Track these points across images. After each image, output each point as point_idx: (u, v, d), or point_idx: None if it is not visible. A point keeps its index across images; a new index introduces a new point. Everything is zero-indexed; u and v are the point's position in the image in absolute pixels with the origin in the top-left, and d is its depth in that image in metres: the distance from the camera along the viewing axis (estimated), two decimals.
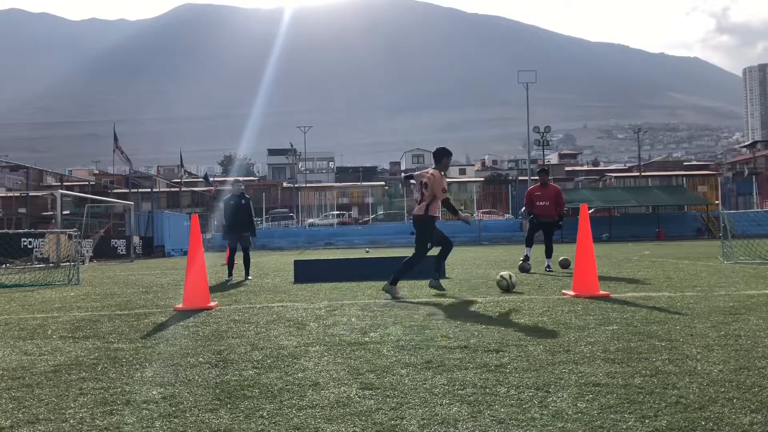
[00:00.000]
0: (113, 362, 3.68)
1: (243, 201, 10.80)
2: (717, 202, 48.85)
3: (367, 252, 24.02)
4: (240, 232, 10.75)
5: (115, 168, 64.86)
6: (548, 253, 11.00)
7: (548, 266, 10.82)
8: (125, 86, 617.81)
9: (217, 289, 8.60)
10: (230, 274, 10.52)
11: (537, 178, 12.04)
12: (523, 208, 11.68)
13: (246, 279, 10.42)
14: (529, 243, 11.30)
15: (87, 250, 21.34)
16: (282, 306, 6.40)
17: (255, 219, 11.38)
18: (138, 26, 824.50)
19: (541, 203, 11.05)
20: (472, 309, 5.69)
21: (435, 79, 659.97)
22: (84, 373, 3.39)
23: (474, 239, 40.23)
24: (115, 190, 42.93)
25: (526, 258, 10.85)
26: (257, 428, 2.39)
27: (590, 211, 11.25)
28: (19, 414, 2.66)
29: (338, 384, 3.01)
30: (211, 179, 62.57)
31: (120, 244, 26.41)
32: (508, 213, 47.49)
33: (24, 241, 18.71)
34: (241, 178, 12.22)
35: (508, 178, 73.05)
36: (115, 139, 38.29)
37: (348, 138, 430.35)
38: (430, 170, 7.31)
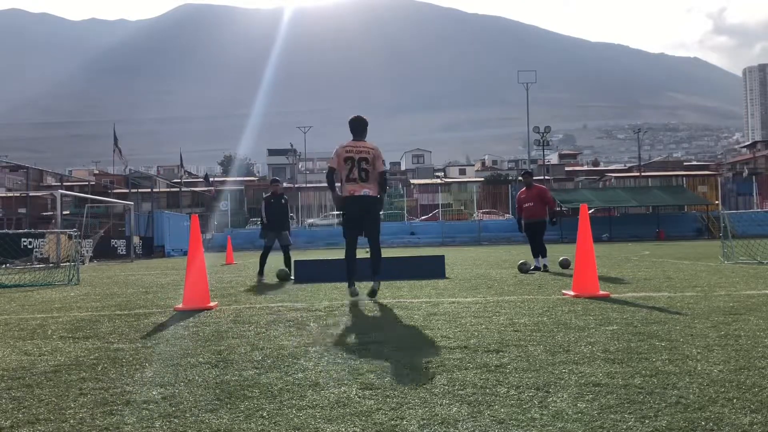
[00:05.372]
0: (113, 362, 3.68)
1: (283, 201, 10.95)
2: (717, 202, 48.84)
3: (368, 252, 23.99)
4: (280, 231, 10.82)
5: (115, 168, 64.89)
6: (542, 253, 10.98)
7: (544, 265, 10.81)
8: (125, 86, 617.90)
9: (217, 290, 8.60)
10: (262, 273, 10.46)
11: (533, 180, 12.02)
12: (518, 215, 11.74)
13: (292, 278, 10.19)
14: (534, 252, 11.15)
15: (87, 250, 21.33)
16: (282, 306, 6.39)
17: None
18: (138, 26, 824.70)
19: (527, 205, 11.19)
20: (472, 309, 5.69)
21: (435, 79, 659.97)
22: (84, 373, 3.39)
23: (474, 239, 40.24)
24: (115, 190, 42.98)
25: (536, 268, 10.75)
26: (257, 428, 2.39)
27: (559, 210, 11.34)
28: (19, 414, 2.66)
29: (338, 384, 3.01)
30: (212, 179, 62.62)
31: (120, 244, 26.41)
32: (508, 213, 47.49)
33: (24, 241, 18.71)
34: (278, 178, 12.22)
35: (508, 178, 73.06)
36: (115, 139, 38.34)
37: (348, 138, 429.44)
38: (368, 143, 6.72)
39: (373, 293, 6.71)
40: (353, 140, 6.79)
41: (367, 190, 6.63)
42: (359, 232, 6.89)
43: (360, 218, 6.78)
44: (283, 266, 10.61)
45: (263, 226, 10.94)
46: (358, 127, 6.81)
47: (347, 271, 6.95)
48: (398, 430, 2.32)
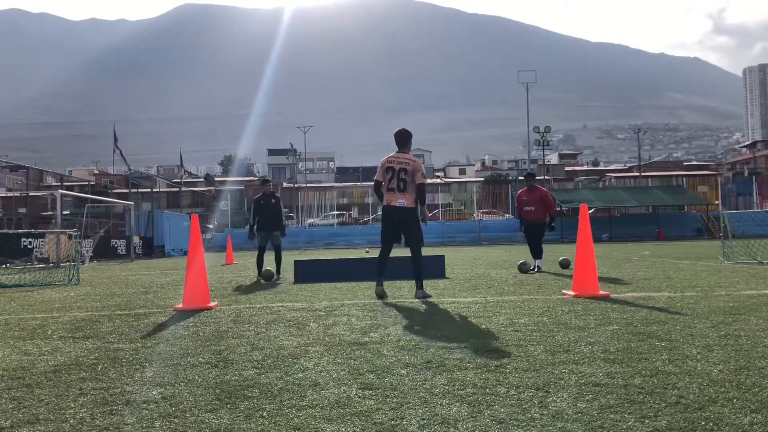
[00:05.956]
0: (113, 362, 3.68)
1: (273, 200, 10.86)
2: (717, 202, 48.86)
3: (367, 252, 23.98)
4: (271, 231, 10.79)
5: (115, 168, 64.87)
6: (539, 254, 10.95)
7: (538, 267, 10.77)
8: (125, 86, 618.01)
9: (217, 289, 8.60)
10: (261, 273, 10.53)
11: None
12: (518, 214, 11.68)
13: (277, 278, 10.40)
14: (533, 253, 11.15)
15: (87, 250, 21.34)
16: (282, 306, 6.40)
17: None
18: (138, 26, 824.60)
19: (527, 208, 11.12)
20: (472, 309, 5.69)
21: (435, 79, 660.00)
22: (84, 373, 3.39)
23: (474, 239, 40.25)
24: (115, 190, 42.96)
25: (537, 268, 10.75)
26: (257, 428, 2.39)
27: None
28: (19, 414, 2.66)
29: (338, 384, 3.01)
30: (215, 178, 62.63)
31: (120, 244, 26.41)
32: (508, 213, 47.50)
33: (24, 241, 18.71)
34: (268, 178, 12.14)
35: (508, 178, 73.02)
36: (115, 139, 38.28)
37: (348, 138, 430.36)
38: (409, 156, 7.02)
39: (422, 297, 6.80)
40: (397, 152, 7.09)
41: (403, 200, 6.89)
42: (394, 241, 7.18)
43: (396, 228, 7.07)
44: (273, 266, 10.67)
45: (251, 228, 10.90)
46: (401, 139, 7.14)
47: (377, 271, 7.21)
48: (398, 430, 2.32)
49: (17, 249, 17.65)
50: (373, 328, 4.68)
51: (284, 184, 75.50)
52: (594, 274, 6.57)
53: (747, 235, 16.37)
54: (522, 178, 13.14)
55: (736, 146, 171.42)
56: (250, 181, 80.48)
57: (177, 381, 3.15)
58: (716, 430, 2.23)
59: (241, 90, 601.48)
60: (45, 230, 21.47)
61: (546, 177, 61.09)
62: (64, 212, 27.21)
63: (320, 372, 3.27)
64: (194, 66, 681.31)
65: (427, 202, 7.31)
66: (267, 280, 10.11)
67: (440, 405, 2.61)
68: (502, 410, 2.51)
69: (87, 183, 45.43)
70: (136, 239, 27.65)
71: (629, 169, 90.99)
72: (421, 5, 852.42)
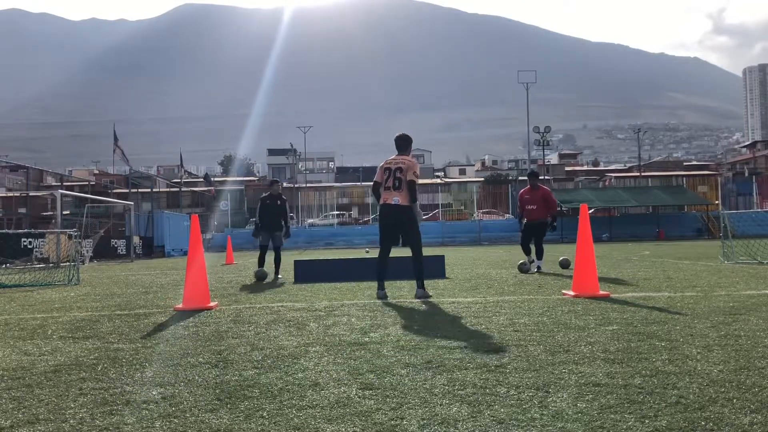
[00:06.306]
0: (113, 362, 3.68)
1: (279, 202, 10.93)
2: (717, 202, 48.84)
3: (367, 252, 23.96)
4: (273, 231, 10.84)
5: (115, 168, 64.87)
6: (539, 255, 10.93)
7: (538, 267, 10.74)
8: (125, 86, 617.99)
9: (217, 289, 8.60)
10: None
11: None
12: (519, 213, 11.64)
13: (276, 278, 10.44)
14: (526, 250, 11.15)
15: (87, 250, 21.33)
16: (282, 306, 6.40)
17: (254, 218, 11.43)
18: (138, 26, 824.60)
19: (530, 207, 11.06)
20: (472, 309, 5.69)
21: (435, 79, 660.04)
22: (84, 373, 3.39)
23: (474, 239, 40.24)
24: (115, 190, 42.97)
25: (537, 269, 10.70)
26: (257, 428, 2.39)
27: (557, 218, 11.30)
28: (19, 414, 2.66)
29: (338, 384, 3.01)
30: (212, 179, 62.63)
31: (120, 244, 26.41)
32: (508, 213, 47.48)
33: (24, 241, 18.71)
34: (277, 179, 12.29)
35: (508, 178, 72.97)
36: (115, 139, 38.28)
37: (348, 138, 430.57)
38: (406, 157, 7.20)
39: (422, 297, 6.84)
40: (396, 155, 7.29)
41: (398, 198, 7.00)
42: (393, 242, 7.27)
43: (392, 227, 7.16)
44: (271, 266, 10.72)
45: (257, 226, 11.02)
46: (402, 143, 7.35)
47: (377, 275, 7.26)
48: (398, 430, 2.32)
49: (17, 249, 17.65)
50: (373, 328, 4.68)
51: (284, 184, 75.43)
52: (594, 274, 6.57)
53: (747, 235, 16.36)
54: (523, 177, 13.09)
55: (736, 146, 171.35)
56: (250, 181, 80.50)
57: (177, 381, 3.15)
58: (716, 430, 2.23)
59: (241, 90, 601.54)
60: (45, 230, 21.48)
61: (546, 177, 61.05)
62: (64, 212, 27.21)
63: (320, 372, 3.27)
64: (194, 66, 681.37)
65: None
66: (260, 280, 10.12)
67: (440, 405, 2.61)
68: (502, 410, 2.51)
69: (87, 183, 45.42)
70: (136, 239, 27.65)
71: (629, 169, 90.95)
72: (421, 5, 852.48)
